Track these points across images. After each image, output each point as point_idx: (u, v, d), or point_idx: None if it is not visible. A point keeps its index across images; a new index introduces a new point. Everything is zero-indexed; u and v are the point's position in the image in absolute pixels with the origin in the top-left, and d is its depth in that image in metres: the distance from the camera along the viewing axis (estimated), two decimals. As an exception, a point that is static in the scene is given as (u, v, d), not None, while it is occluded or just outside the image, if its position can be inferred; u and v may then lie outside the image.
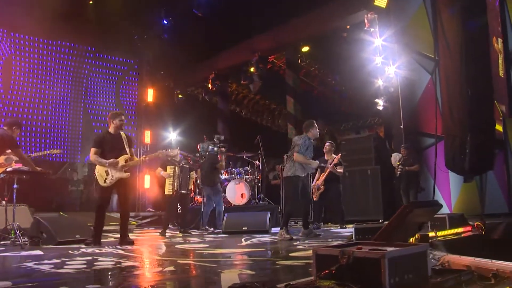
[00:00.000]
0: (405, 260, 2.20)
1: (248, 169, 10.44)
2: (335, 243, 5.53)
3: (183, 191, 7.91)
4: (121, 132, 6.08)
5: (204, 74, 13.53)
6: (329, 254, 2.37)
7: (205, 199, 8.85)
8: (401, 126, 9.00)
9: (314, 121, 6.78)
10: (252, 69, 11.68)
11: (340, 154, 8.35)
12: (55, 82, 11.52)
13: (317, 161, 6.98)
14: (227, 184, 9.90)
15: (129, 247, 5.65)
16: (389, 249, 2.27)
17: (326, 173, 8.21)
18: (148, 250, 5.40)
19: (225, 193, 9.74)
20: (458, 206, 8.33)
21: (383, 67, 9.32)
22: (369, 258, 2.15)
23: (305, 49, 11.09)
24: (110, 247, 5.63)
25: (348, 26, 10.08)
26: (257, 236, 7.06)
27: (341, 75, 13.67)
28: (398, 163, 8.44)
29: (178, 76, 14.32)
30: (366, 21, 8.99)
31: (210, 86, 13.09)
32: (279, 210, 9.70)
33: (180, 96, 14.12)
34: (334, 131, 15.45)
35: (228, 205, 9.72)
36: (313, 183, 8.44)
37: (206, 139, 9.84)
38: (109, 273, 3.67)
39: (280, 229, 6.40)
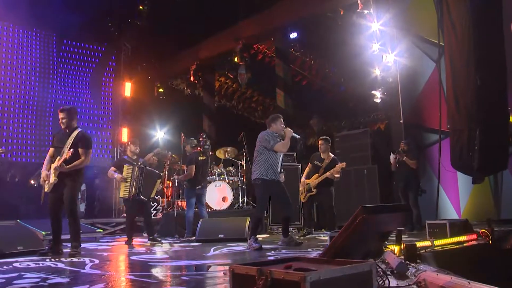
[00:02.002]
0: (338, 284, 1.71)
1: (231, 169, 9.97)
2: (313, 254, 5.08)
3: (142, 197, 7.33)
4: (77, 130, 5.76)
5: (185, 65, 13.10)
6: (247, 274, 1.90)
7: (190, 202, 8.35)
8: (401, 121, 8.60)
9: (280, 116, 6.34)
10: (236, 59, 11.19)
11: (344, 164, 7.75)
12: (19, 74, 11.06)
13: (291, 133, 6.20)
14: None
15: (75, 259, 5.23)
16: (324, 268, 1.78)
17: (322, 178, 7.72)
18: (94, 263, 4.93)
19: (204, 196, 9.32)
20: (469, 211, 7.87)
21: (381, 55, 8.91)
22: (288, 281, 1.65)
23: (294, 35, 10.58)
24: (52, 259, 5.19)
25: (342, 12, 9.57)
26: (232, 244, 6.65)
27: (334, 65, 13.18)
28: (395, 152, 7.92)
29: (158, 68, 13.90)
30: (359, 1, 8.50)
31: (192, 78, 12.63)
32: (265, 215, 9.23)
33: (160, 90, 13.66)
34: (332, 128, 15.01)
35: (208, 210, 9.27)
36: (303, 179, 7.95)
37: (184, 136, 9.39)
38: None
39: (248, 238, 6.00)
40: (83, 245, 7.12)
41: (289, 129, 6.23)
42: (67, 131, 5.75)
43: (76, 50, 12.19)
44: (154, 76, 13.92)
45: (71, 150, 5.55)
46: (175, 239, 8.18)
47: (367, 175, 8.95)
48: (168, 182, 10.02)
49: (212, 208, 9.36)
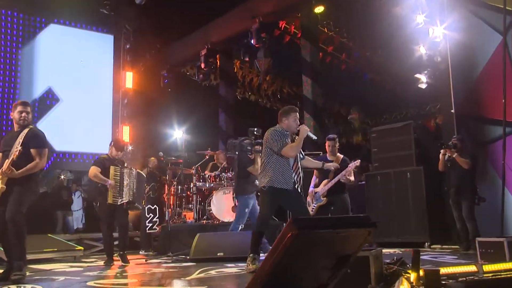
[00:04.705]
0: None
1: (242, 173, 9.32)
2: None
3: (137, 204, 7.15)
4: (29, 127, 5.36)
5: (196, 50, 12.71)
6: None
7: None
8: (452, 111, 7.95)
9: (295, 109, 5.75)
10: (253, 41, 10.58)
11: (359, 161, 7.15)
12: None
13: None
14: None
15: (13, 287, 4.72)
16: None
17: (333, 182, 6.93)
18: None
19: (210, 206, 8.90)
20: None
21: (427, 29, 8.37)
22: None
23: (319, 9, 9.85)
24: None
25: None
26: (229, 265, 6.10)
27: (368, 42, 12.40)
28: (444, 146, 7.17)
29: (164, 54, 13.64)
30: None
31: (203, 65, 12.16)
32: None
33: (166, 80, 13.23)
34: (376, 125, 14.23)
35: (215, 221, 8.81)
36: (312, 189, 7.19)
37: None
38: None
39: (248, 256, 5.43)
40: (54, 266, 6.88)
41: (305, 126, 5.74)
42: (17, 129, 5.39)
43: (65, 34, 11.86)
44: (160, 64, 13.67)
45: (20, 148, 5.05)
46: (168, 257, 7.61)
47: (411, 179, 8.28)
48: (170, 189, 9.46)
49: (219, 220, 8.83)
